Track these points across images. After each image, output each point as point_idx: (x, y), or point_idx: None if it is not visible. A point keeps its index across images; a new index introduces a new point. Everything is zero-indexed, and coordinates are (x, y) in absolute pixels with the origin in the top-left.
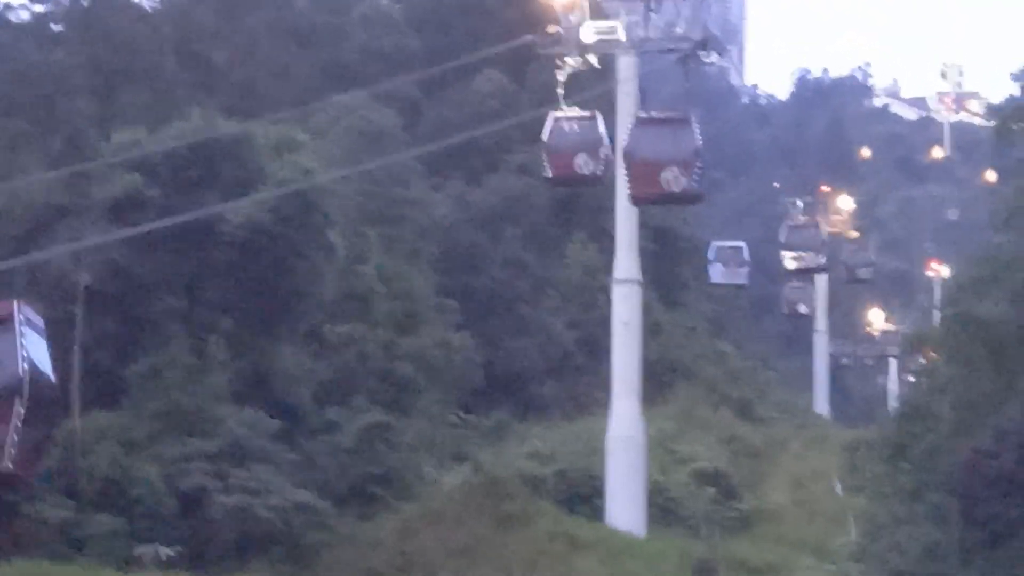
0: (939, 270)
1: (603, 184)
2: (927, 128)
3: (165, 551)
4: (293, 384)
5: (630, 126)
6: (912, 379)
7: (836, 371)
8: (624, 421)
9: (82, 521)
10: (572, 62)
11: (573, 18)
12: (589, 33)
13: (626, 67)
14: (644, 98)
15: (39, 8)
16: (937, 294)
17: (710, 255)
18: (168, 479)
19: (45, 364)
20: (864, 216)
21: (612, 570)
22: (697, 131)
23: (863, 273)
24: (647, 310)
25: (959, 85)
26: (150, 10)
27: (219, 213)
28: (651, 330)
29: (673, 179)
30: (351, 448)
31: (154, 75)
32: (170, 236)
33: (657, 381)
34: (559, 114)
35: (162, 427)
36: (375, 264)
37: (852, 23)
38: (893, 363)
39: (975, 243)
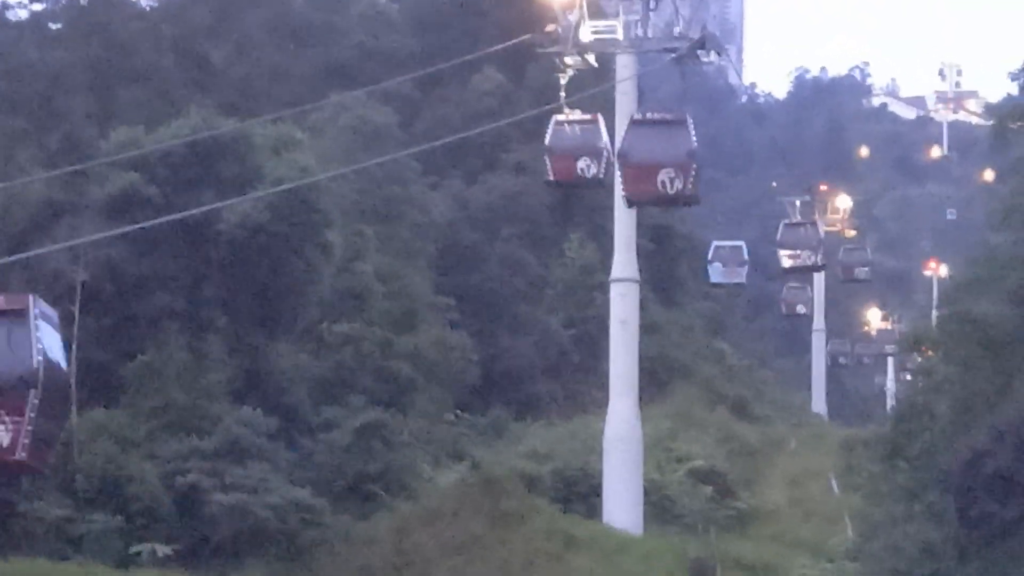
0: (937, 269)
1: (604, 186)
2: (925, 127)
3: (162, 549)
4: (290, 382)
5: (625, 127)
6: (909, 378)
7: (833, 370)
8: (621, 420)
9: (79, 519)
10: (571, 62)
11: (571, 17)
12: (587, 32)
13: (624, 66)
14: (642, 98)
15: (37, 7)
16: (935, 293)
17: (709, 255)
18: (165, 477)
19: (59, 357)
20: (862, 215)
21: (608, 568)
22: (693, 132)
23: (860, 273)
24: (644, 309)
25: (957, 84)
26: (148, 9)
27: (217, 211)
28: (648, 329)
29: (669, 181)
30: (348, 446)
31: (152, 74)
32: (167, 234)
33: (654, 380)
34: (561, 117)
35: (159, 425)
36: (372, 263)
37: (850, 23)
38: (891, 362)
39: (973, 242)
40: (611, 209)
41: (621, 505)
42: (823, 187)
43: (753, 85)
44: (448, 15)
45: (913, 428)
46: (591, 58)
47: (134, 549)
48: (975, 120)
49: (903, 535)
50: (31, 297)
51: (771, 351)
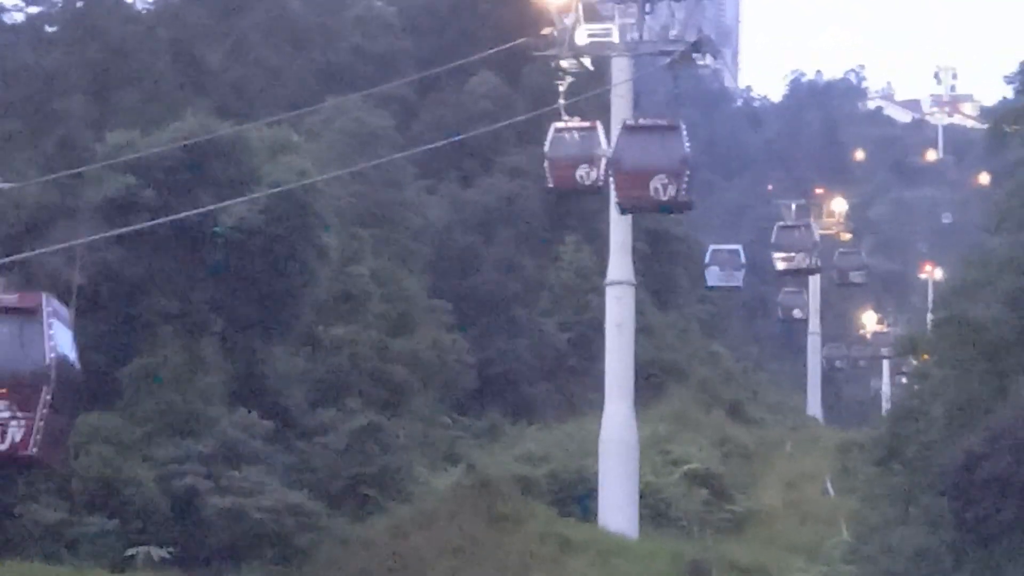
0: (932, 272)
1: (604, 193)
2: (920, 130)
3: (158, 552)
4: (286, 385)
5: (617, 134)
6: (905, 381)
7: (829, 373)
8: (617, 422)
9: (75, 522)
10: (567, 65)
11: (567, 20)
12: (583, 36)
13: (620, 70)
14: (639, 101)
15: (33, 9)
16: (930, 296)
17: (707, 258)
18: (161, 480)
19: (71, 353)
20: (857, 218)
21: (604, 571)
22: (686, 138)
23: (855, 276)
24: (640, 312)
25: (952, 88)
26: (144, 12)
27: (212, 214)
28: (644, 332)
29: (662, 187)
30: (344, 449)
31: (148, 76)
32: (163, 237)
33: (650, 383)
34: (560, 125)
35: (155, 428)
36: (368, 266)
37: (846, 26)
38: (886, 365)
39: (968, 245)
40: (607, 212)
41: (617, 508)
42: (819, 190)
43: (749, 88)
44: (444, 18)
45: (908, 431)
46: (587, 61)
47: (130, 552)
48: (970, 123)
49: (899, 538)
50: (44, 295)
51: (767, 354)
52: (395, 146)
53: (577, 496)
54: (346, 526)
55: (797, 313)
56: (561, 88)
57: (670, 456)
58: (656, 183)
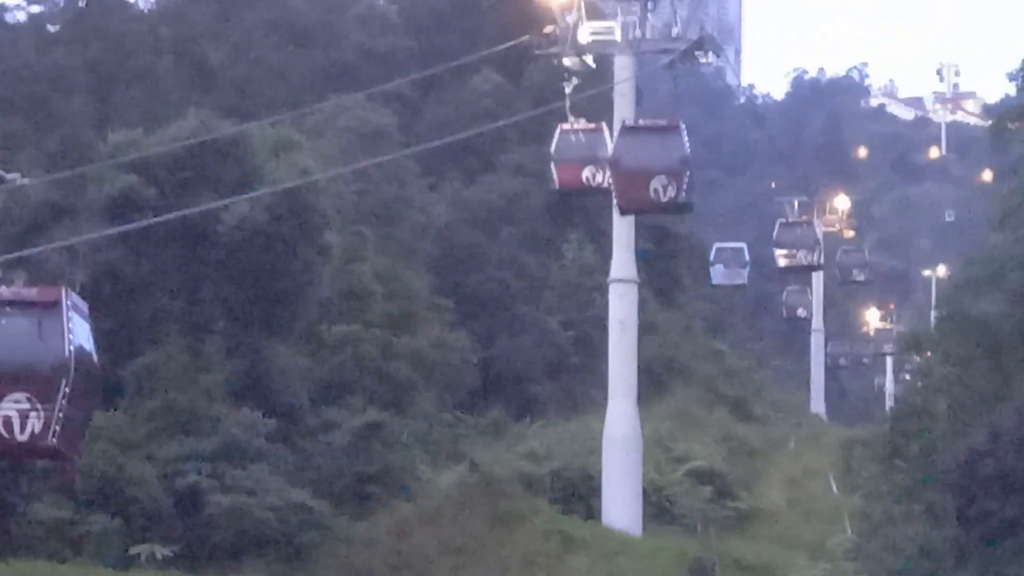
0: (936, 269)
1: (610, 193)
2: (923, 128)
3: (161, 551)
4: (289, 384)
5: (616, 134)
6: (908, 378)
7: (832, 370)
8: (620, 420)
9: (78, 521)
10: (569, 63)
11: (570, 19)
12: (586, 34)
13: (623, 68)
14: (640, 100)
15: (35, 9)
16: (934, 293)
17: (711, 256)
18: (164, 479)
19: (89, 347)
20: (860, 216)
21: (608, 569)
22: (686, 139)
23: (858, 274)
24: (643, 309)
25: (955, 85)
26: (146, 11)
27: (215, 213)
28: (647, 329)
29: (661, 188)
30: (347, 447)
31: (150, 75)
32: (166, 236)
33: (653, 380)
34: (566, 126)
35: (158, 427)
36: (371, 264)
37: (849, 24)
38: (889, 362)
39: (971, 242)
40: (610, 210)
41: (620, 506)
42: (821, 188)
43: (751, 86)
44: (446, 16)
45: (912, 428)
46: (589, 59)
47: (134, 551)
48: (973, 120)
49: (902, 535)
50: (64, 289)
51: (770, 351)
52: (397, 144)
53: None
54: (349, 524)
55: (801, 312)
56: (567, 90)
57: (673, 454)
58: (656, 184)
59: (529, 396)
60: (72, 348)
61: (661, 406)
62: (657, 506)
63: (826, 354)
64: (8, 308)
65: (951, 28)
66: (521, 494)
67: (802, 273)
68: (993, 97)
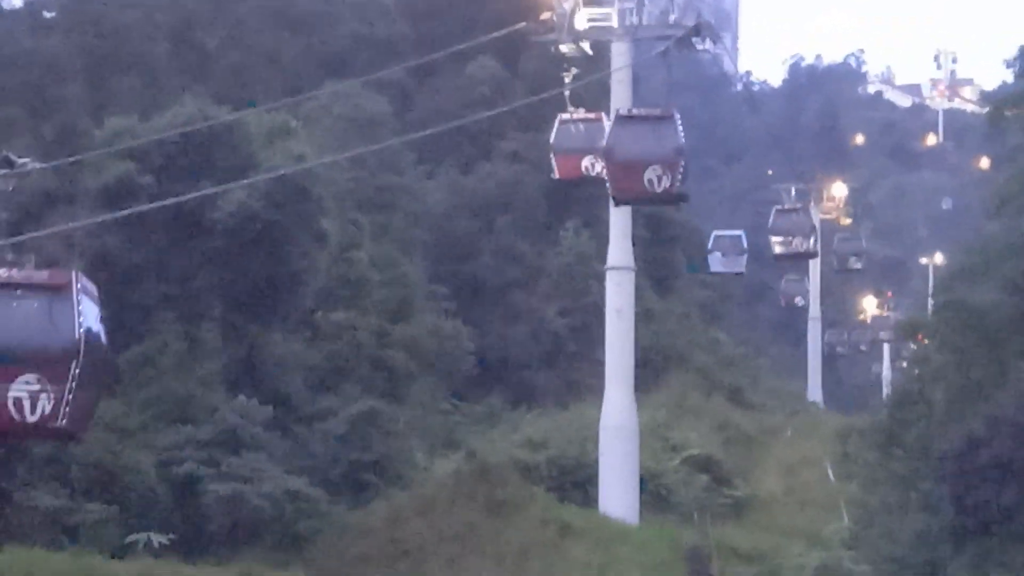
0: (932, 257)
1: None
2: (920, 115)
3: (158, 539)
4: (285, 371)
5: (610, 124)
6: (905, 366)
7: (830, 358)
8: (617, 408)
9: (74, 509)
10: (566, 50)
11: (567, 5)
12: (583, 20)
13: (620, 54)
14: (637, 87)
15: None
16: (931, 281)
17: (709, 244)
18: (161, 467)
19: (99, 329)
20: (857, 203)
21: (604, 557)
22: (680, 128)
23: (855, 262)
24: (640, 297)
25: (953, 72)
26: None
27: (211, 200)
28: (644, 317)
29: (656, 178)
30: (343, 435)
31: (146, 62)
32: (162, 223)
33: (650, 368)
34: (565, 116)
35: (154, 414)
36: (367, 252)
37: (846, 10)
38: (886, 350)
39: (968, 230)
40: (607, 198)
41: (617, 494)
42: (818, 175)
43: (748, 73)
44: (442, 3)
45: (909, 416)
46: (586, 46)
47: (130, 539)
48: (970, 108)
49: (899, 523)
50: (74, 272)
51: (767, 339)
52: (394, 131)
53: (578, 482)
54: (345, 512)
55: (799, 301)
56: (566, 79)
57: (670, 442)
58: (650, 174)
59: (526, 384)
60: (82, 331)
61: (658, 394)
62: (654, 494)
63: (823, 342)
64: (18, 291)
65: (948, 15)
66: (518, 482)
67: (798, 261)
68: (990, 84)
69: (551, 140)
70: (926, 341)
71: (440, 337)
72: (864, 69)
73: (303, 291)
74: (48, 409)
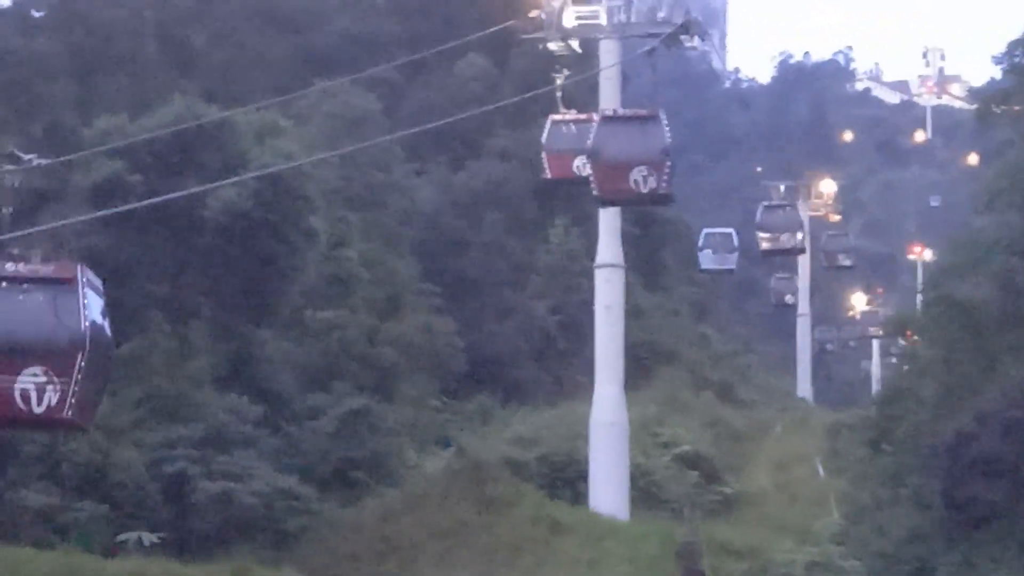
0: (921, 253)
1: None
2: (909, 111)
3: (148, 537)
4: (275, 369)
5: (594, 124)
6: (894, 362)
7: (819, 355)
8: (607, 405)
9: (65, 507)
10: (555, 47)
11: (555, 3)
12: (571, 18)
13: (608, 52)
14: (626, 85)
15: None
16: (919, 277)
17: (700, 242)
18: (151, 465)
19: (103, 322)
20: (846, 200)
21: (594, 554)
22: (667, 128)
23: (844, 259)
24: (629, 294)
25: (941, 69)
26: None
27: (201, 199)
28: (633, 314)
29: (642, 179)
30: (333, 433)
31: (134, 60)
32: (151, 222)
33: (640, 365)
34: (557, 117)
35: (144, 413)
36: (356, 250)
37: (834, 7)
38: (875, 346)
39: (956, 226)
40: None
41: (607, 490)
42: (807, 172)
43: (737, 70)
44: (431, 1)
45: (898, 412)
46: (575, 44)
47: (120, 537)
48: (959, 104)
49: (889, 519)
50: (80, 266)
51: (756, 336)
52: (382, 129)
53: (568, 479)
54: (336, 510)
55: (790, 299)
56: (558, 81)
57: (660, 438)
58: (636, 175)
59: (515, 381)
60: (88, 324)
61: (648, 391)
62: (644, 491)
63: (813, 338)
64: (25, 284)
65: (936, 11)
66: (508, 479)
67: (785, 257)
68: (979, 80)
69: (543, 140)
70: (915, 337)
71: (429, 334)
72: (852, 66)
73: (293, 289)
74: (55, 401)
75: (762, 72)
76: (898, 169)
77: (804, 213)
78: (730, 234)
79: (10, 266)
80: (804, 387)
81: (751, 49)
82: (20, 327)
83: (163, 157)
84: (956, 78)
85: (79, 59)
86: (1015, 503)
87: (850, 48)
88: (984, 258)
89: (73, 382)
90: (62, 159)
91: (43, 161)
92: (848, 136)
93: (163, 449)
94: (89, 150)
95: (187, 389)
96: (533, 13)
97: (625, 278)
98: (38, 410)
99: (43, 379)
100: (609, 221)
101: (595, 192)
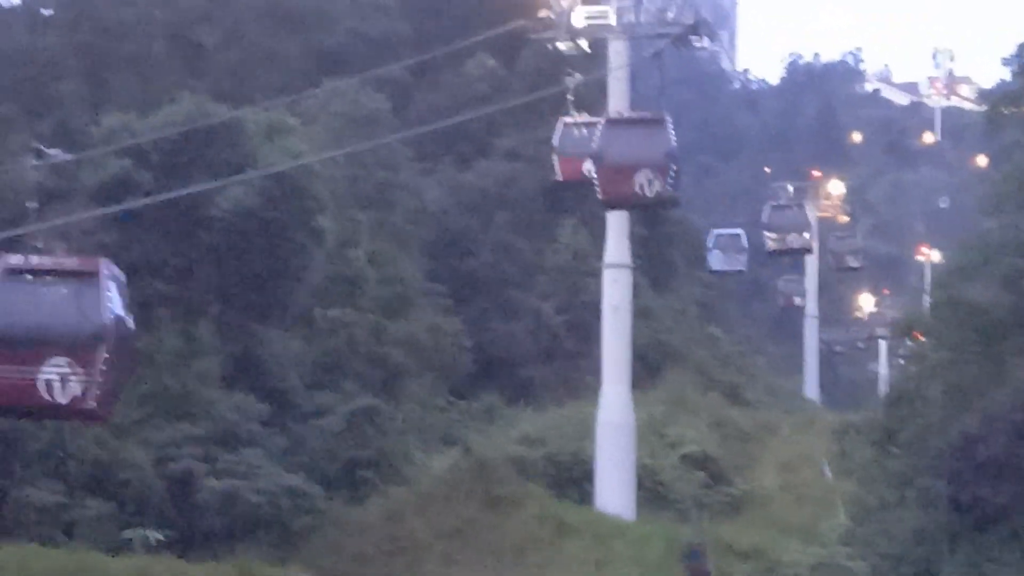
0: (929, 254)
1: None
2: (918, 113)
3: (154, 535)
4: (282, 368)
5: (600, 127)
6: (902, 363)
7: (827, 356)
8: (614, 405)
9: (71, 505)
10: (564, 47)
11: (564, 3)
12: (580, 18)
13: (617, 52)
14: (635, 85)
15: None
16: (927, 278)
17: (709, 243)
18: (157, 463)
19: (126, 315)
20: (855, 201)
21: (601, 554)
22: (672, 132)
23: (852, 260)
24: (637, 294)
25: (950, 70)
26: None
27: (209, 197)
28: (641, 314)
29: (647, 183)
30: (340, 432)
31: (143, 59)
32: (159, 220)
33: (647, 365)
34: (568, 120)
35: (151, 411)
36: (364, 249)
37: (843, 8)
38: (883, 347)
39: (965, 228)
40: None
41: (614, 491)
42: (816, 172)
43: (746, 71)
44: (440, 1)
45: (905, 413)
46: (584, 44)
47: (126, 535)
48: (968, 105)
49: (895, 520)
50: (103, 260)
51: (764, 336)
52: (391, 129)
53: (575, 479)
54: (342, 509)
55: (798, 301)
56: (570, 85)
57: (667, 439)
58: (641, 178)
59: (522, 381)
60: (110, 316)
61: (655, 391)
62: (651, 491)
63: (820, 340)
64: (49, 277)
65: (946, 13)
66: (514, 479)
67: (793, 257)
68: (988, 82)
69: (554, 143)
70: (923, 338)
71: (437, 334)
72: (862, 67)
73: (300, 288)
74: (78, 391)
75: (771, 73)
76: (907, 170)
77: (812, 214)
78: (739, 235)
79: (33, 258)
80: (811, 388)
81: (761, 50)
82: (44, 319)
83: (171, 156)
84: (966, 80)
85: (88, 57)
86: (1022, 506)
87: (859, 49)
88: (992, 260)
89: (96, 374)
90: (69, 157)
91: (68, 157)
92: (857, 137)
93: (170, 447)
94: (98, 148)
95: (194, 387)
96: (542, 13)
97: (633, 278)
98: (62, 400)
99: (67, 370)
100: (617, 221)
101: (600, 196)
